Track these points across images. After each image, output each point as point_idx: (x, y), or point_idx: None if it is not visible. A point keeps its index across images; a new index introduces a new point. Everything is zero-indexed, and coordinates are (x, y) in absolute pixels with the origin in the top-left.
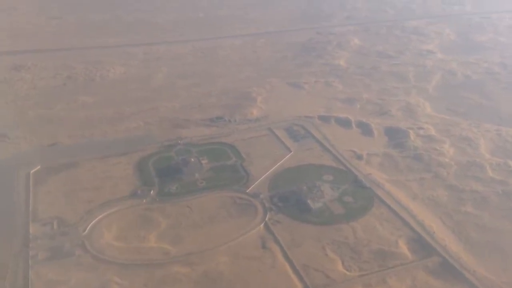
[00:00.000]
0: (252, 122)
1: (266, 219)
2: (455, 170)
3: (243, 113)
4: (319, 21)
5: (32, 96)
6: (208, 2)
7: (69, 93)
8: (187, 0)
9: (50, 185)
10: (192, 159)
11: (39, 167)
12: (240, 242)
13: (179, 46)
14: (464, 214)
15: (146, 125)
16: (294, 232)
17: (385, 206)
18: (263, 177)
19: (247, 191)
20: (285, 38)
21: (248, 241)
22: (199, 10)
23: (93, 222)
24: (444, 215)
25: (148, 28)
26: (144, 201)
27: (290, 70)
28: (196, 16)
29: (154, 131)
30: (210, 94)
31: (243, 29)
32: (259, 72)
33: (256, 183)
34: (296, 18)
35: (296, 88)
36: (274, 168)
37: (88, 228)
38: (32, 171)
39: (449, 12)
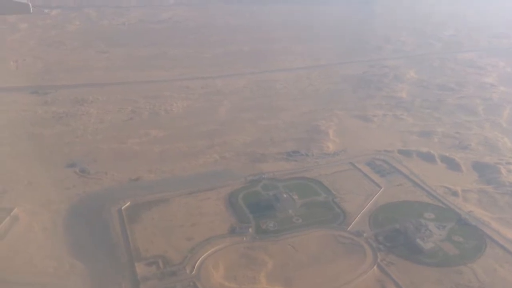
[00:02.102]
0: (330, 156)
1: (379, 260)
2: None
3: (319, 147)
4: (368, 54)
5: (101, 130)
6: (249, 37)
7: (137, 127)
8: (229, 35)
9: (144, 222)
10: (285, 195)
11: (129, 203)
12: (357, 284)
13: (234, 79)
14: None
15: (223, 160)
16: (412, 275)
17: (498, 246)
18: (360, 214)
19: (348, 229)
20: (338, 71)
21: (365, 283)
22: (243, 44)
23: (199, 261)
24: None
25: (198, 62)
26: (245, 238)
27: (353, 102)
28: (242, 50)
29: (233, 166)
30: (278, 127)
31: (292, 62)
32: (321, 105)
33: (355, 220)
34: (344, 52)
35: (365, 121)
36: (369, 204)
37: (195, 268)
38: (123, 207)
39: (497, 45)
